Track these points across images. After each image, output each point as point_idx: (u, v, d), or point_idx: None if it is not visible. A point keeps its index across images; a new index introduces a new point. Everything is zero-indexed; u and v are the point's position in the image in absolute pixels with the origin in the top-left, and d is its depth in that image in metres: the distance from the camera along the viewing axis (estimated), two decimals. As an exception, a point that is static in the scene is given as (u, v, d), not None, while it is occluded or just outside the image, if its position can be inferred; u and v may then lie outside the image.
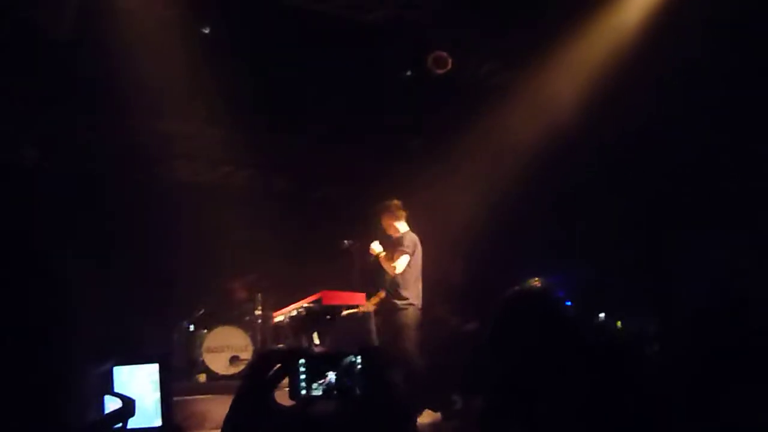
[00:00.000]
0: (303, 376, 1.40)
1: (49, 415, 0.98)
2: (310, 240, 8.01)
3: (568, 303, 6.97)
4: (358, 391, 1.35)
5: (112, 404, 1.70)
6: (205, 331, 7.28)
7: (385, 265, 6.03)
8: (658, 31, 6.15)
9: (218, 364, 7.09)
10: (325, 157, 8.94)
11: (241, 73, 6.97)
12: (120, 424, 1.59)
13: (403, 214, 6.26)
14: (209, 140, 8.43)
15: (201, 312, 7.55)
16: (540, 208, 7.79)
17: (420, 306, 6.04)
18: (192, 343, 7.34)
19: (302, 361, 1.41)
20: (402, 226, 6.21)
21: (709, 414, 1.39)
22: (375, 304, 6.22)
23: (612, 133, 7.08)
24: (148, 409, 1.93)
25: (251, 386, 1.35)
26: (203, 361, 7.10)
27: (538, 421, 1.34)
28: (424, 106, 7.89)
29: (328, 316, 6.23)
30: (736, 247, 6.00)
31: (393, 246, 6.07)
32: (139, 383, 1.95)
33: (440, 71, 6.79)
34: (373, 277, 6.35)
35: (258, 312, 7.33)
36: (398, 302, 5.97)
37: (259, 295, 7.39)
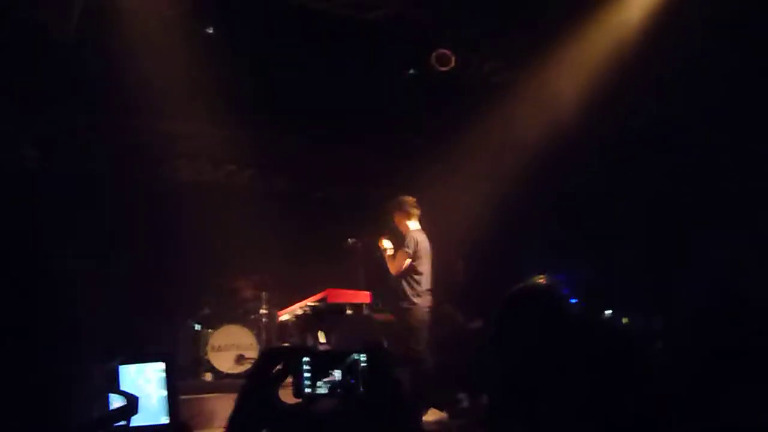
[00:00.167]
0: (307, 374, 1.40)
1: (53, 412, 0.98)
2: (315, 239, 8.02)
3: (573, 300, 6.97)
4: (362, 389, 1.35)
5: (117, 402, 1.70)
6: (211, 330, 7.30)
7: (388, 263, 6.02)
8: (660, 30, 6.13)
9: (224, 362, 7.11)
10: (328, 156, 8.94)
11: (242, 72, 6.98)
12: (123, 422, 1.59)
13: (416, 212, 6.16)
14: (212, 140, 8.43)
15: (206, 311, 7.57)
16: (543, 206, 7.78)
17: (428, 305, 5.99)
18: (197, 342, 7.36)
19: (306, 359, 1.41)
20: (411, 225, 6.12)
21: (710, 413, 1.38)
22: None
23: (614, 132, 7.07)
24: (155, 407, 1.94)
25: (255, 384, 1.35)
26: (209, 360, 7.11)
27: (542, 419, 1.34)
28: (426, 105, 7.88)
29: (337, 313, 6.23)
30: (737, 247, 5.98)
31: (399, 244, 6.04)
32: (145, 381, 1.96)
33: (443, 69, 6.78)
34: (378, 275, 6.34)
35: (263, 311, 7.35)
36: (403, 302, 5.94)
37: (264, 293, 7.41)
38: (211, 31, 6.55)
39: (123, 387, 1.92)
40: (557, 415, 1.32)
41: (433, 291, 6.17)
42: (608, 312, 6.84)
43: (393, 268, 5.95)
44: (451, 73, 6.91)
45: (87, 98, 7.05)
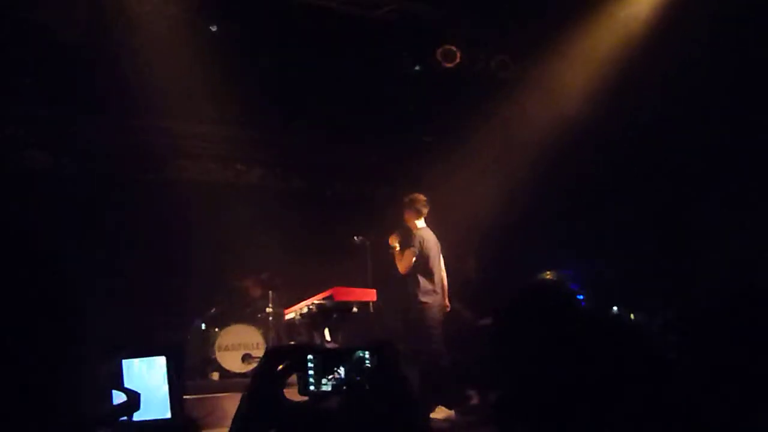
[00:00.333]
0: (312, 372, 1.39)
1: (56, 409, 0.98)
2: (321, 236, 8.02)
3: (580, 297, 6.96)
4: (368, 387, 1.33)
5: (120, 398, 1.71)
6: (218, 329, 7.31)
7: (396, 261, 6.03)
8: (667, 24, 6.11)
9: (231, 362, 7.12)
10: (335, 154, 8.94)
11: (248, 71, 6.98)
12: (125, 418, 1.60)
13: (425, 210, 6.18)
14: (219, 139, 8.45)
15: (213, 310, 7.59)
16: (551, 202, 7.75)
17: (439, 304, 6.01)
18: (205, 342, 7.38)
19: (311, 356, 1.40)
20: (419, 223, 6.14)
21: (726, 408, 1.37)
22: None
23: (622, 126, 7.04)
24: (159, 401, 1.94)
25: (260, 382, 1.34)
26: (216, 359, 7.13)
27: (550, 416, 1.33)
28: (433, 101, 7.86)
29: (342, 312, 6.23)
30: (749, 239, 5.95)
31: (408, 243, 6.03)
32: (149, 376, 1.97)
33: (449, 65, 6.76)
34: (385, 272, 6.35)
35: (270, 309, 7.35)
36: (414, 301, 5.95)
37: (271, 292, 7.41)
38: (215, 29, 6.54)
39: (127, 381, 1.92)
40: (565, 412, 1.30)
41: (447, 289, 6.22)
42: (615, 308, 6.82)
43: (401, 267, 5.97)
44: (458, 69, 6.89)
45: (92, 98, 7.06)
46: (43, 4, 5.83)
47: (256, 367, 1.38)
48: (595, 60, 6.77)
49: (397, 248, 6.03)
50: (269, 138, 8.58)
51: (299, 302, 6.74)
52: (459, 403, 5.89)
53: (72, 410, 0.99)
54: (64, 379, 0.98)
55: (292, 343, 6.61)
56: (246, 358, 7.19)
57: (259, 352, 7.24)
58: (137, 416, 1.72)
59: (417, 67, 7.42)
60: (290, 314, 7.08)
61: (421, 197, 6.21)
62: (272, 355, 1.40)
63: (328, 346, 6.22)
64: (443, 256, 6.27)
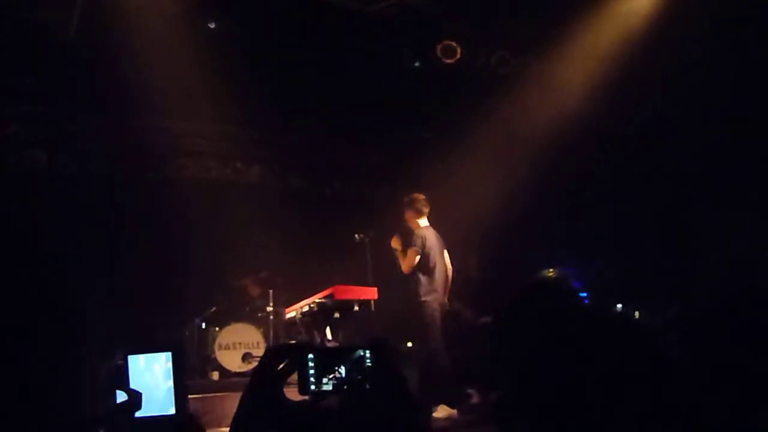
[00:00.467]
0: (312, 372, 1.40)
1: (58, 408, 0.99)
2: (321, 235, 8.03)
3: (583, 295, 6.96)
4: (367, 386, 1.34)
5: (124, 397, 1.73)
6: (217, 328, 7.32)
7: (400, 262, 6.09)
8: (668, 20, 6.12)
9: (231, 361, 7.13)
10: (334, 152, 8.94)
11: (247, 68, 6.97)
12: (127, 417, 1.61)
13: (426, 210, 6.26)
14: (217, 137, 8.46)
15: (213, 309, 7.59)
16: (553, 199, 7.75)
17: (439, 302, 6.05)
18: (204, 341, 7.39)
19: (311, 356, 1.40)
20: (421, 222, 6.21)
21: (729, 408, 1.37)
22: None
23: (624, 124, 7.04)
24: (162, 397, 1.96)
25: (260, 382, 1.35)
26: (216, 358, 7.14)
27: (550, 415, 1.33)
28: (433, 98, 7.86)
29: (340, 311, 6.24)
30: (750, 239, 5.95)
31: (409, 242, 6.10)
32: (152, 372, 1.99)
33: (449, 61, 6.76)
34: (386, 271, 6.39)
35: (270, 308, 7.36)
36: (414, 299, 6.01)
37: (271, 291, 7.41)
38: (213, 26, 6.54)
39: (132, 377, 1.94)
40: (566, 411, 1.31)
41: (449, 287, 6.27)
42: (619, 306, 6.83)
43: (404, 267, 6.02)
44: (458, 65, 6.89)
45: (91, 98, 7.07)
46: (43, 4, 5.84)
47: (256, 366, 1.39)
48: (596, 56, 6.77)
49: (400, 250, 6.09)
50: (268, 136, 8.58)
51: (299, 301, 6.75)
52: (460, 402, 5.91)
53: (72, 410, 0.99)
54: (64, 378, 0.98)
55: (293, 342, 6.62)
56: (246, 357, 7.19)
57: (260, 351, 7.25)
58: (141, 412, 1.74)
59: (417, 63, 7.42)
60: (291, 313, 7.09)
61: (421, 197, 6.28)
62: (272, 354, 1.41)
63: (329, 345, 6.24)
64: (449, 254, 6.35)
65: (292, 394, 1.39)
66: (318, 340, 6.36)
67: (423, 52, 7.17)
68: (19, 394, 0.94)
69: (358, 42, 7.02)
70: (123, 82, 6.59)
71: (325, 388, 1.38)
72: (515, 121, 7.70)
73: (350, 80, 7.40)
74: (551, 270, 6.98)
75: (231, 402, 5.64)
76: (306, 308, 6.50)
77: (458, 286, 6.67)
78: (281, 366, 1.35)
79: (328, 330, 6.39)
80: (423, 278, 6.00)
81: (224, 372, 7.10)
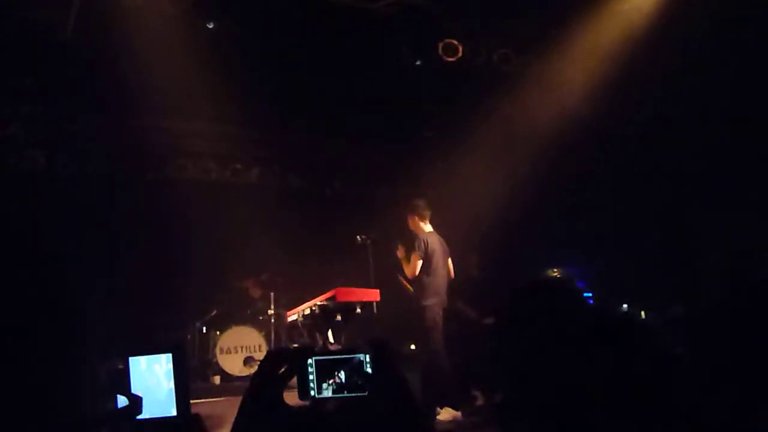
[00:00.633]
0: (312, 376, 1.40)
1: (58, 411, 1.00)
2: (323, 236, 8.03)
3: (588, 294, 6.96)
4: (368, 390, 1.35)
5: (125, 401, 1.74)
6: (218, 332, 7.33)
7: (404, 267, 6.24)
8: (670, 16, 6.12)
9: (232, 365, 7.14)
10: (335, 152, 8.94)
11: (246, 68, 6.98)
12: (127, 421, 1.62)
13: (428, 214, 6.39)
14: (217, 138, 8.46)
15: (213, 312, 7.60)
16: (556, 197, 7.75)
17: (441, 305, 6.13)
18: (205, 345, 7.40)
19: (311, 360, 1.41)
20: (423, 227, 6.35)
21: (733, 408, 1.37)
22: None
23: (626, 123, 7.04)
24: (163, 399, 1.96)
25: (260, 387, 1.35)
26: (217, 362, 7.15)
27: (554, 416, 1.34)
28: (434, 97, 7.86)
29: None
30: (752, 238, 5.96)
31: (412, 247, 6.25)
32: (153, 374, 1.99)
33: (450, 59, 6.76)
34: (388, 272, 6.44)
35: (271, 311, 7.37)
36: (417, 302, 6.14)
37: (273, 293, 7.42)
38: (211, 26, 6.54)
39: (132, 380, 1.95)
40: (570, 412, 1.31)
41: (452, 290, 6.36)
42: (625, 306, 6.82)
43: (408, 272, 6.18)
44: (459, 64, 6.88)
45: (90, 98, 7.09)
46: (40, 3, 5.85)
47: (255, 371, 1.40)
48: (598, 55, 6.77)
49: (404, 257, 6.26)
50: (268, 136, 8.58)
51: (301, 303, 6.76)
52: (464, 405, 5.92)
53: (72, 410, 1.00)
54: (63, 378, 0.99)
55: (293, 346, 6.62)
56: (248, 361, 7.21)
57: (261, 355, 7.25)
58: (142, 414, 1.75)
59: (418, 62, 7.41)
60: (292, 316, 7.09)
61: (421, 202, 6.44)
62: (272, 358, 1.41)
63: (331, 347, 6.24)
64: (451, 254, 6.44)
65: (293, 398, 1.39)
66: (320, 342, 6.36)
67: (424, 50, 7.17)
68: (19, 394, 0.94)
69: (359, 41, 7.01)
70: (122, 83, 6.61)
71: (325, 393, 1.39)
72: (516, 120, 7.71)
73: (350, 79, 7.40)
74: (555, 270, 6.98)
75: (232, 406, 5.64)
76: (308, 311, 6.50)
77: (459, 285, 6.70)
78: (281, 370, 1.36)
79: (330, 333, 6.40)
80: (425, 282, 6.11)
81: (226, 376, 7.12)
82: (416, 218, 6.35)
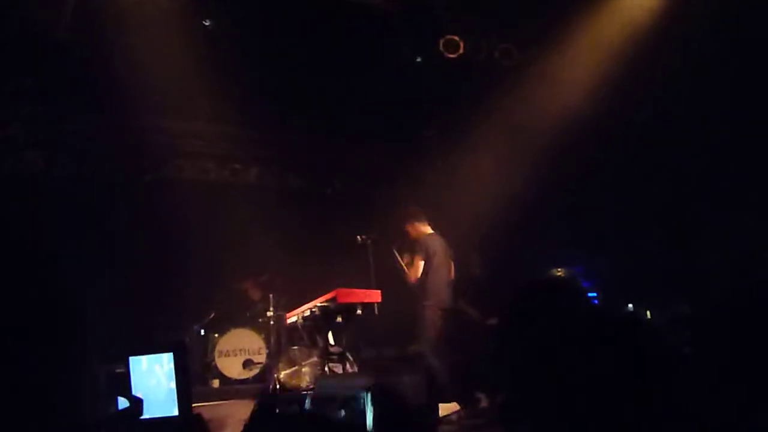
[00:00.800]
0: None
1: (58, 413, 1.01)
2: (323, 237, 8.03)
3: (593, 294, 6.97)
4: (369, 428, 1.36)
5: (125, 403, 1.76)
6: (217, 334, 7.34)
7: (408, 272, 6.37)
8: (673, 13, 6.15)
9: (231, 368, 7.15)
10: (335, 151, 8.94)
11: (245, 66, 6.99)
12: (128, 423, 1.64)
13: (423, 216, 6.56)
14: (215, 137, 8.46)
15: (212, 315, 7.60)
16: (559, 195, 7.76)
17: (440, 306, 6.23)
18: (204, 348, 7.40)
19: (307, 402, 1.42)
20: (422, 229, 6.50)
21: (739, 410, 1.39)
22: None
23: (629, 120, 7.06)
24: (165, 399, 1.98)
25: None
26: (216, 365, 7.15)
27: (557, 417, 1.35)
28: (435, 94, 7.86)
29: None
30: (754, 236, 5.98)
31: (414, 251, 6.41)
32: (154, 374, 2.01)
33: (451, 56, 6.77)
34: (390, 273, 6.48)
35: (271, 313, 7.36)
36: (419, 303, 6.28)
37: (272, 295, 7.42)
38: (208, 23, 6.56)
39: (133, 379, 1.97)
40: (572, 412, 1.33)
41: (453, 290, 6.47)
42: (630, 306, 6.83)
43: (412, 277, 6.31)
44: (460, 60, 6.89)
45: (86, 98, 7.11)
46: (36, 3, 5.88)
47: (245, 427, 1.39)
48: (601, 51, 6.78)
49: (406, 263, 6.41)
50: (267, 135, 8.58)
51: (301, 305, 6.77)
52: (467, 406, 5.93)
53: (71, 410, 1.02)
54: (63, 378, 1.01)
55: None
56: (247, 364, 7.22)
57: (261, 358, 7.26)
58: (144, 414, 1.77)
59: (418, 59, 7.41)
60: (292, 318, 7.09)
61: (412, 208, 6.64)
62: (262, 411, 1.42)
63: (332, 349, 6.27)
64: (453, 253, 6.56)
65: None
66: (321, 344, 6.37)
67: (424, 47, 7.18)
68: (18, 394, 0.96)
69: (358, 38, 7.02)
70: (119, 82, 6.63)
71: None
72: (518, 119, 7.71)
73: (350, 78, 7.41)
74: (559, 269, 7.00)
75: (232, 410, 5.66)
76: (308, 312, 6.51)
77: (461, 285, 6.74)
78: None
79: (330, 335, 6.42)
80: (425, 282, 6.25)
81: (225, 379, 7.13)
82: (414, 224, 6.51)
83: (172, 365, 2.00)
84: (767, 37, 5.83)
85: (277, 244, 7.60)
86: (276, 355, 6.92)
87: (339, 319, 6.31)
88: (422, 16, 6.85)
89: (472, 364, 6.27)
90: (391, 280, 6.46)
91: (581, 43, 6.79)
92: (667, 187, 7.20)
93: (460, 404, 5.75)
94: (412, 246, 6.45)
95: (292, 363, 6.75)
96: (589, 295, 6.78)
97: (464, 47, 6.88)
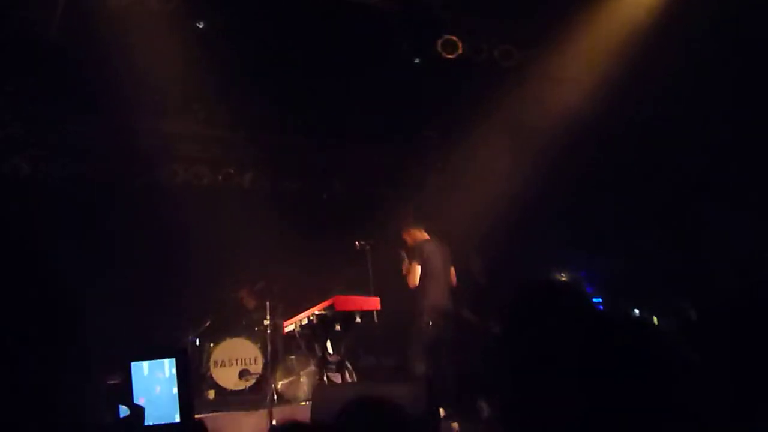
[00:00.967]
0: None
1: (59, 421, 1.01)
2: (320, 243, 8.02)
3: (598, 300, 6.97)
4: None
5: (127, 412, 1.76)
6: (212, 344, 7.32)
7: (407, 277, 6.50)
8: (672, 12, 6.19)
9: (227, 379, 7.13)
10: (331, 155, 8.95)
11: (238, 69, 7.00)
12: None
13: (417, 222, 6.78)
14: (209, 141, 8.47)
15: (207, 324, 7.58)
16: (559, 199, 7.77)
17: (437, 311, 6.35)
18: (198, 358, 7.38)
19: None
20: (419, 236, 6.69)
21: (745, 418, 1.38)
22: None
23: (630, 121, 7.08)
24: (167, 405, 1.98)
25: None
26: (211, 375, 7.13)
27: (558, 423, 1.34)
28: (433, 96, 7.86)
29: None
30: (758, 234, 6.00)
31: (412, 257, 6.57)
32: (156, 380, 2.01)
33: (450, 56, 6.78)
34: (388, 279, 6.51)
35: (267, 321, 7.34)
36: (416, 309, 6.41)
37: (269, 303, 7.39)
38: (201, 25, 6.56)
39: (135, 385, 1.97)
40: (573, 415, 1.32)
41: (456, 297, 6.60)
42: (636, 311, 6.82)
43: (410, 282, 6.45)
44: (459, 61, 6.90)
45: (79, 100, 7.13)
46: (30, 3, 5.90)
47: None
48: (601, 50, 6.80)
49: (405, 266, 6.55)
50: (262, 137, 8.58)
51: (298, 313, 6.76)
52: (470, 416, 5.92)
53: (72, 410, 1.02)
54: (63, 379, 1.01)
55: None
56: (243, 374, 7.20)
57: (257, 368, 7.24)
58: (145, 421, 1.77)
59: (417, 60, 7.41)
60: (289, 326, 7.08)
61: (410, 217, 6.89)
62: None
63: (330, 359, 6.26)
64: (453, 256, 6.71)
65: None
66: (319, 353, 6.36)
67: (423, 47, 7.18)
68: (19, 394, 0.96)
69: (355, 38, 7.02)
70: (110, 84, 6.64)
71: None
72: (518, 119, 7.72)
73: (347, 78, 7.41)
74: (563, 274, 7.00)
75: (228, 422, 5.65)
76: (305, 321, 6.50)
77: (463, 289, 6.76)
78: None
79: (328, 343, 6.40)
80: (420, 289, 6.41)
81: (220, 390, 7.11)
82: (411, 231, 6.71)
83: (174, 371, 2.00)
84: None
85: (273, 251, 7.59)
86: (273, 364, 6.90)
87: (337, 328, 6.29)
88: (420, 15, 6.85)
89: (474, 374, 6.25)
90: (391, 287, 6.47)
91: (581, 42, 6.81)
92: (668, 187, 7.21)
93: (457, 418, 5.79)
94: (411, 252, 6.57)
95: (289, 373, 6.74)
96: (594, 300, 6.79)
97: (463, 47, 6.88)
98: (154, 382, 2.02)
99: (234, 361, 7.25)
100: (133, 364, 2.06)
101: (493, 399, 6.10)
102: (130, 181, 8.16)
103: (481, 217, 7.54)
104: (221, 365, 7.20)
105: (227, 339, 7.35)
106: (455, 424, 5.74)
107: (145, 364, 2.05)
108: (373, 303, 6.22)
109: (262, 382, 7.11)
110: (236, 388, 7.12)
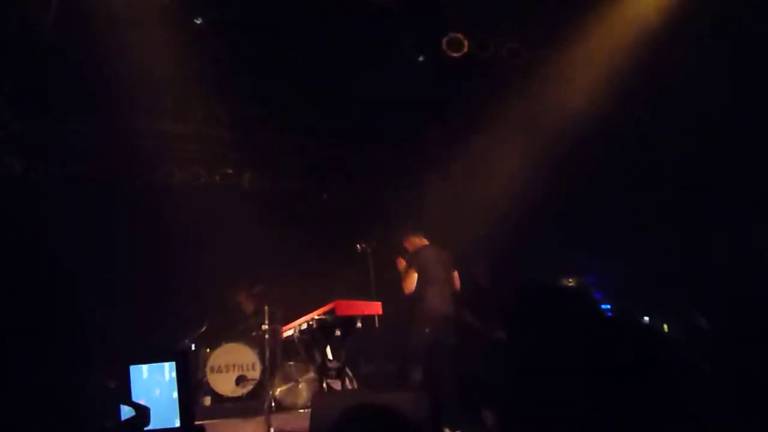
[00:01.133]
0: None
1: (62, 423, 1.01)
2: (320, 245, 8.02)
3: (607, 306, 6.95)
4: None
5: (129, 413, 1.76)
6: (208, 349, 7.31)
7: (403, 284, 6.52)
8: (683, 11, 6.20)
9: (224, 385, 7.13)
10: (331, 155, 8.95)
11: (238, 67, 7.00)
12: None
13: (415, 231, 6.83)
14: (210, 140, 8.47)
15: (203, 329, 7.58)
16: (562, 201, 7.76)
17: (433, 318, 6.36)
18: (195, 364, 7.38)
19: None
20: (418, 243, 6.75)
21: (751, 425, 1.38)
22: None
23: (639, 121, 7.08)
24: (167, 410, 1.97)
25: None
26: (207, 382, 7.13)
27: (562, 429, 1.34)
28: (438, 95, 7.86)
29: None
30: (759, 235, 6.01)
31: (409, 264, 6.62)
32: (156, 384, 2.01)
33: (455, 55, 6.77)
34: (390, 283, 6.52)
35: (265, 326, 7.33)
36: (414, 316, 6.46)
37: (267, 307, 7.39)
38: (199, 21, 6.56)
39: (134, 389, 1.97)
40: (578, 425, 1.32)
41: (459, 303, 6.63)
42: (646, 318, 6.81)
43: (405, 288, 6.48)
44: (464, 59, 6.90)
45: (76, 100, 7.15)
46: (34, 4, 5.93)
47: None
48: (609, 48, 6.80)
49: (402, 271, 6.58)
50: (261, 137, 8.58)
51: (297, 318, 6.75)
52: (473, 426, 5.92)
53: (72, 410, 1.02)
54: (63, 379, 1.01)
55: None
56: (241, 380, 7.19)
57: (255, 374, 7.23)
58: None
59: (421, 58, 7.41)
60: (288, 331, 7.07)
61: (409, 225, 6.94)
62: None
63: (330, 365, 6.24)
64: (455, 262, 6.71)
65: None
66: (318, 359, 6.35)
67: (427, 46, 7.18)
68: (19, 394, 0.96)
69: (357, 36, 7.02)
70: (108, 84, 6.67)
71: None
72: (524, 119, 7.72)
73: (349, 77, 7.41)
74: (570, 279, 6.99)
75: (225, 430, 5.64)
76: (305, 326, 6.48)
77: (466, 295, 6.75)
78: None
79: (328, 349, 6.38)
80: (418, 295, 6.43)
81: (217, 396, 7.10)
82: (410, 238, 6.77)
83: (173, 375, 2.00)
84: None
85: (272, 253, 7.59)
86: (271, 370, 6.90)
87: (337, 333, 6.28)
88: (424, 12, 6.85)
89: (478, 383, 6.24)
90: (393, 291, 6.47)
91: (588, 42, 6.81)
92: (677, 188, 7.21)
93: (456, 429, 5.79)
94: (408, 259, 6.63)
95: (288, 379, 6.73)
96: (603, 306, 6.77)
97: (469, 46, 6.87)
98: (154, 386, 2.02)
99: (231, 366, 7.25)
100: (132, 367, 2.06)
101: (496, 407, 6.10)
102: (130, 181, 8.17)
103: (484, 218, 7.53)
104: (218, 371, 7.20)
105: (224, 344, 7.35)
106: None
107: (145, 367, 2.05)
108: (375, 308, 6.21)
109: (260, 388, 7.10)
110: (233, 395, 7.11)
